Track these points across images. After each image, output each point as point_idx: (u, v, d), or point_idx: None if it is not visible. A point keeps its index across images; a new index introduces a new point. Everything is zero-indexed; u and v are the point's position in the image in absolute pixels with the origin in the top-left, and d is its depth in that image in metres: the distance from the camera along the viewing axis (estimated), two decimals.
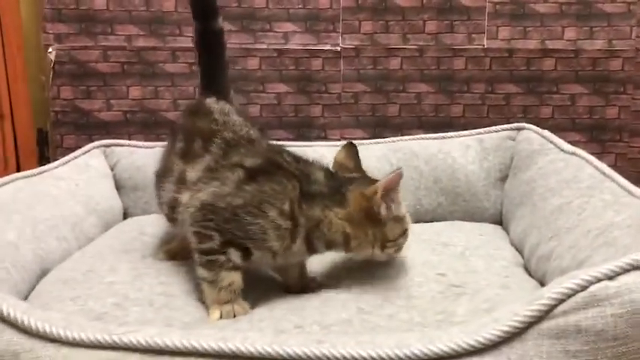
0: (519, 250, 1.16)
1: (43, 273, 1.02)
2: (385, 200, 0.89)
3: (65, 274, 0.99)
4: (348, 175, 0.96)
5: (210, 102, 1.07)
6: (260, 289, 0.96)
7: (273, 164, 0.92)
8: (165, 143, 1.17)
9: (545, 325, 0.61)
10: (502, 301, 0.91)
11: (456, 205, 1.36)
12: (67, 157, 1.36)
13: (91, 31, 1.56)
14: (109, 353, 0.68)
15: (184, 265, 1.03)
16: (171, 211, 0.98)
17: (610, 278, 0.61)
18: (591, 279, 0.61)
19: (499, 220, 1.36)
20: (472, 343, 0.62)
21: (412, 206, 1.34)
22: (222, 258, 0.86)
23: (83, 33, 1.56)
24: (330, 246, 0.92)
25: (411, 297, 0.92)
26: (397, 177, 0.88)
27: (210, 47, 1.15)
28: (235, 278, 0.87)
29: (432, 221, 1.35)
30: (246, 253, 0.87)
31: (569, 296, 0.61)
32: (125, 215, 1.41)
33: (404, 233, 0.93)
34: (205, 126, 1.00)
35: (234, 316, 0.86)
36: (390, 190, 0.89)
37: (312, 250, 0.92)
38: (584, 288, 0.61)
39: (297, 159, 0.96)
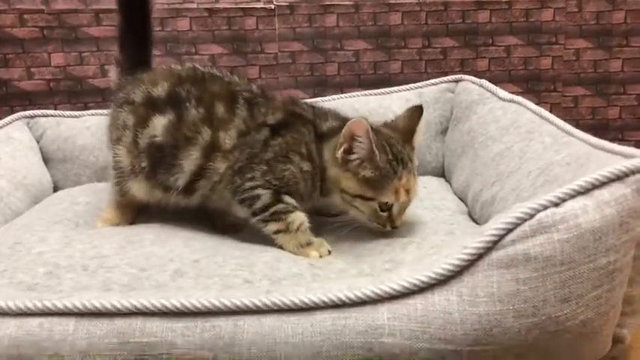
0: (463, 199, 1.16)
1: None
2: (349, 145, 0.91)
3: None
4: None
5: (198, 67, 1.04)
6: (208, 245, 0.93)
7: (292, 115, 0.98)
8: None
9: (495, 255, 0.60)
10: (447, 245, 0.90)
11: None
12: None
13: None
14: (40, 320, 0.63)
15: (118, 228, 1.01)
16: (193, 180, 0.96)
17: (556, 205, 0.61)
18: (538, 207, 0.61)
19: (442, 173, 1.37)
20: (422, 278, 0.61)
21: None
22: (281, 205, 0.93)
23: None
24: (327, 187, 0.97)
25: (360, 255, 0.91)
26: (355, 123, 0.89)
27: (137, 10, 1.09)
28: (303, 218, 0.93)
29: None
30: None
31: (517, 225, 0.60)
32: (55, 189, 1.34)
33: (362, 197, 0.93)
34: (221, 89, 0.99)
35: (329, 253, 0.91)
36: (354, 135, 0.89)
37: (320, 191, 0.97)
38: (531, 216, 0.60)
39: (313, 106, 1.04)
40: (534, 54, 1.63)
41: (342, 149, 0.91)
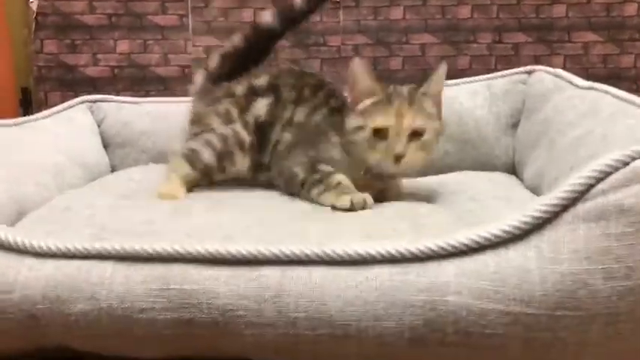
0: (535, 193, 1.07)
1: (21, 217, 0.94)
2: (351, 90, 0.95)
3: (42, 213, 0.92)
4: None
5: (295, 67, 1.17)
6: (262, 215, 0.88)
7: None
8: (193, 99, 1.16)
9: (581, 207, 0.52)
10: None
11: (464, 154, 1.27)
12: (50, 110, 1.28)
13: None
14: (78, 263, 0.60)
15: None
16: (271, 154, 1.05)
17: None
18: (633, 154, 0.53)
19: (511, 170, 1.28)
20: (496, 232, 0.54)
21: None
22: (316, 176, 0.96)
23: None
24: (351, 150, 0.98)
25: (419, 225, 0.83)
26: (354, 62, 0.92)
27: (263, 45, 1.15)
28: (342, 177, 0.95)
29: (439, 173, 1.26)
30: None
31: (608, 174, 0.52)
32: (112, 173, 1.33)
33: (360, 128, 0.93)
34: (314, 80, 1.09)
35: (365, 207, 0.89)
36: (355, 78, 0.93)
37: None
38: (625, 164, 0.52)
39: None
40: (615, 51, 1.53)
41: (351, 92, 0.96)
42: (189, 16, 1.48)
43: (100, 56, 1.50)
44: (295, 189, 0.99)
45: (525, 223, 0.53)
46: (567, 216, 0.52)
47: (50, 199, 1.04)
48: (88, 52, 1.50)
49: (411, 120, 0.91)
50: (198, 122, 1.12)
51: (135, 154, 1.34)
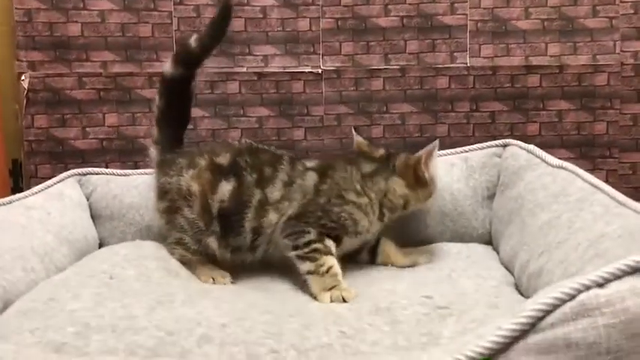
0: (510, 270, 1.11)
1: (7, 305, 0.96)
2: (427, 166, 1.11)
3: (26, 304, 0.94)
4: (386, 153, 1.17)
5: (253, 142, 1.20)
6: (238, 307, 0.91)
7: (332, 158, 1.15)
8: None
9: (532, 339, 0.55)
10: (490, 320, 0.85)
11: (442, 226, 1.31)
12: (40, 186, 1.31)
13: (65, 57, 1.53)
14: None
15: (154, 283, 1.02)
16: (254, 239, 1.09)
17: (600, 285, 0.56)
18: (580, 287, 0.56)
19: (488, 240, 1.31)
20: None
21: (398, 228, 1.28)
22: (320, 245, 1.02)
23: (57, 60, 1.53)
24: (393, 211, 1.12)
25: (395, 321, 0.87)
26: (433, 149, 1.11)
27: (180, 96, 1.19)
28: (334, 262, 1.02)
29: (419, 244, 1.30)
30: (337, 242, 1.05)
31: (557, 307, 0.56)
32: (101, 246, 1.35)
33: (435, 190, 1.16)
34: (269, 156, 1.14)
35: (344, 301, 0.96)
36: (429, 158, 1.11)
37: (381, 219, 1.12)
38: (572, 297, 0.56)
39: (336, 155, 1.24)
40: (587, 119, 1.58)
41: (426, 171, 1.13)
42: None
43: (89, 129, 1.54)
44: (294, 244, 1.03)
45: (480, 353, 0.56)
46: (518, 347, 0.55)
47: (37, 281, 1.07)
48: (77, 125, 1.54)
49: None
50: (164, 197, 1.17)
51: (123, 227, 1.36)
